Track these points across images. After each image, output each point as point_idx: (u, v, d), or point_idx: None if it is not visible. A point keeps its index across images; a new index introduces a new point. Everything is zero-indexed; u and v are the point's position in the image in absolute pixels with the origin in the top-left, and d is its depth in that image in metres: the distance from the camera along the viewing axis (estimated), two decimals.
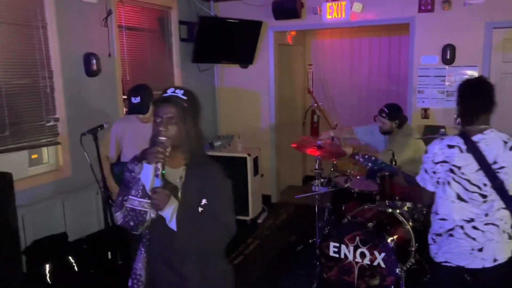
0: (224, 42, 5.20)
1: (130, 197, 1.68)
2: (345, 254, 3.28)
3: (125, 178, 1.78)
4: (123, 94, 4.32)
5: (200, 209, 1.72)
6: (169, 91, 1.71)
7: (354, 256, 3.24)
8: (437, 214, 2.27)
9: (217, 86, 5.98)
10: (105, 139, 3.13)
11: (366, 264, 3.20)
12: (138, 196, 1.66)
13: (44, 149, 3.73)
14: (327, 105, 6.86)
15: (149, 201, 1.64)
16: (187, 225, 1.66)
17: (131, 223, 1.69)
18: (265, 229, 4.98)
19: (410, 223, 3.46)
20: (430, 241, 2.36)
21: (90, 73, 3.88)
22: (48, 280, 3.31)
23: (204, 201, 1.72)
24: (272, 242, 4.63)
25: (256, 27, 5.26)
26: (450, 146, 2.20)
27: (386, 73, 6.56)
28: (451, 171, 2.18)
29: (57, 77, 3.64)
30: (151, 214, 1.68)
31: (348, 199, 3.85)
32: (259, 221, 5.19)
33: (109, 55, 4.09)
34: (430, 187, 2.28)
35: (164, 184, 1.64)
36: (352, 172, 3.93)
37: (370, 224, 3.18)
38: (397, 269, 3.10)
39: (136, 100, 2.89)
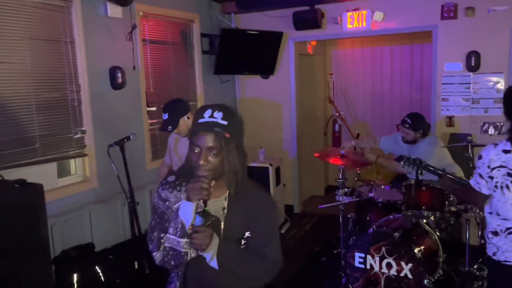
0: (245, 54, 5.25)
1: (168, 236, 1.51)
2: (371, 265, 3.24)
3: (158, 207, 1.59)
4: (148, 106, 4.40)
5: (242, 241, 1.57)
6: (206, 115, 1.46)
7: (380, 267, 3.19)
8: (498, 215, 2.26)
9: (239, 97, 6.02)
10: None
11: (392, 275, 3.15)
12: (177, 235, 1.49)
13: (72, 161, 3.82)
14: (349, 115, 6.83)
15: (188, 240, 1.48)
16: (229, 261, 1.52)
17: (172, 263, 1.54)
18: (288, 240, 4.95)
19: (437, 233, 3.40)
20: (486, 239, 2.36)
21: (116, 86, 3.97)
22: None
23: (247, 234, 1.57)
24: (296, 252, 4.60)
25: (276, 38, 5.29)
26: (506, 151, 2.21)
27: (409, 81, 6.50)
28: (509, 175, 2.19)
29: (84, 91, 3.74)
30: (192, 254, 1.52)
31: (373, 209, 3.81)
32: (282, 231, 5.17)
33: (134, 68, 4.19)
34: (485, 191, 2.29)
35: (205, 216, 1.48)
36: (376, 181, 3.89)
37: (396, 234, 3.13)
38: (425, 280, 3.05)
39: (164, 116, 2.98)
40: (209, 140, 1.43)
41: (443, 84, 4.79)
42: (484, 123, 4.62)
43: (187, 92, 5.09)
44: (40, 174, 3.41)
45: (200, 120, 1.46)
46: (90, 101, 3.79)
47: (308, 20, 5.15)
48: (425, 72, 6.16)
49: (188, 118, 3.01)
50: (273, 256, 1.63)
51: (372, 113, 6.81)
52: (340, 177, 3.79)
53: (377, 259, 3.20)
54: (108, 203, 3.88)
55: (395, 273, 3.14)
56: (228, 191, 1.56)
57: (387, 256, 3.17)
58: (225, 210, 1.56)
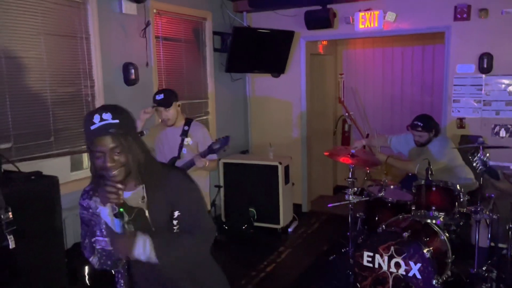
0: (257, 52, 5.27)
1: (97, 238, 1.58)
2: (379, 264, 3.25)
3: (82, 216, 1.66)
4: None
5: (175, 222, 1.64)
6: (96, 120, 1.47)
7: (389, 266, 3.20)
8: None
9: (249, 95, 6.05)
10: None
11: (401, 274, 3.16)
12: (104, 235, 1.57)
13: (85, 155, 3.87)
14: (359, 115, 6.83)
15: (106, 239, 1.57)
16: (165, 252, 1.57)
17: (109, 262, 1.61)
18: (296, 238, 4.97)
19: (446, 234, 3.40)
20: None
21: (129, 82, 4.01)
22: (87, 281, 3.41)
23: (177, 213, 1.63)
24: (304, 251, 4.62)
25: (288, 37, 5.31)
26: None
27: (420, 82, 6.48)
28: None
29: (98, 86, 3.79)
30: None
31: (382, 208, 3.81)
32: (290, 230, 5.19)
33: (147, 64, 4.23)
34: None
35: (128, 210, 1.56)
36: (386, 181, 3.90)
37: (405, 234, 3.14)
38: (434, 281, 3.05)
39: (159, 97, 3.16)
40: (108, 142, 1.47)
41: (454, 85, 4.78)
42: (495, 125, 4.60)
43: (198, 90, 5.13)
44: (54, 167, 3.46)
45: (93, 127, 1.47)
46: (104, 96, 3.84)
47: (320, 20, 5.16)
48: (436, 73, 6.14)
49: (179, 106, 3.25)
50: (206, 226, 1.72)
51: (382, 114, 6.80)
52: (350, 176, 3.80)
53: (386, 258, 3.21)
54: None
55: (404, 273, 3.14)
56: (142, 181, 1.61)
57: (395, 256, 3.18)
58: (145, 199, 1.61)
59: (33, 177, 2.61)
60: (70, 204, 3.54)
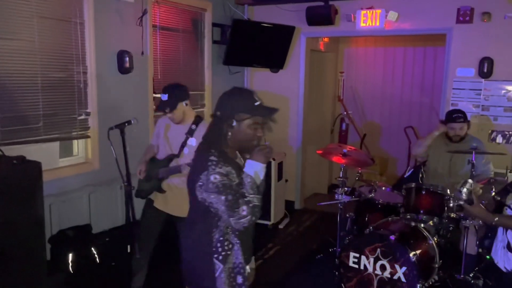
0: (256, 46, 5.21)
1: (252, 197, 1.79)
2: (364, 266, 3.21)
3: (225, 183, 1.75)
4: (154, 93, 4.40)
5: None
6: (256, 98, 1.85)
7: (374, 268, 3.17)
8: None
9: None
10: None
11: (386, 277, 3.13)
12: (256, 193, 1.81)
13: (75, 142, 3.84)
14: (357, 114, 6.78)
15: (260, 196, 1.82)
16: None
17: (253, 218, 1.79)
18: (286, 235, 4.94)
19: (435, 239, 3.36)
20: None
21: (123, 70, 3.97)
22: (70, 269, 3.39)
23: None
24: (293, 248, 4.59)
25: (288, 32, 5.25)
26: None
27: (420, 84, 6.42)
28: None
29: (91, 73, 3.75)
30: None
31: (372, 210, 3.78)
32: (281, 226, 5.16)
33: (142, 53, 4.18)
34: None
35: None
36: (377, 182, 3.86)
37: (392, 237, 3.11)
38: (418, 285, 3.02)
39: (164, 97, 2.91)
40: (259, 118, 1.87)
41: (453, 89, 4.72)
42: (492, 131, 4.55)
43: (195, 81, 5.08)
44: (41, 153, 3.43)
45: (256, 103, 1.84)
46: (96, 84, 3.79)
47: (321, 16, 5.09)
48: (437, 75, 6.08)
49: (187, 104, 2.97)
50: None
51: (380, 114, 6.75)
52: (341, 175, 3.76)
53: (372, 260, 3.18)
54: (108, 186, 3.89)
55: (389, 276, 3.11)
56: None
57: (381, 258, 3.14)
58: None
59: (15, 162, 2.57)
60: (57, 190, 3.53)
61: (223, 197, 1.74)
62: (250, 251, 2.02)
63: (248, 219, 1.77)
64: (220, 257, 1.83)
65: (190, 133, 2.98)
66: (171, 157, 3.02)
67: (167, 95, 2.90)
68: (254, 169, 1.82)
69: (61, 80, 3.55)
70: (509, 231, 2.21)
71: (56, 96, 3.52)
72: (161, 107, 2.93)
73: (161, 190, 3.04)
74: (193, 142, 2.97)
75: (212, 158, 1.78)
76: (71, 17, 3.57)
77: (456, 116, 3.75)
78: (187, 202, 2.92)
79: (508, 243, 2.21)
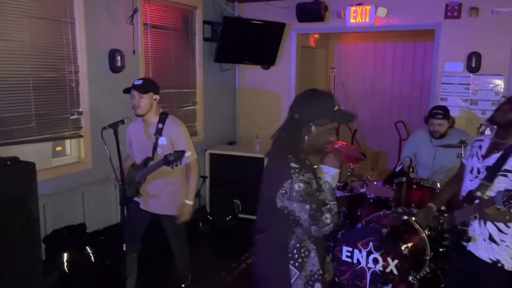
0: (247, 43, 5.23)
1: (332, 203, 1.77)
2: (357, 259, 3.27)
3: (309, 192, 1.72)
4: None
5: None
6: (337, 103, 1.79)
7: (367, 262, 3.22)
8: None
9: (238, 86, 6.02)
10: None
11: (378, 270, 3.18)
12: (334, 199, 1.79)
13: (67, 141, 3.84)
14: (348, 109, 6.82)
15: (335, 202, 1.80)
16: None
17: (334, 226, 1.77)
18: None
19: (426, 232, 3.41)
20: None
21: (115, 69, 3.96)
22: (65, 268, 3.40)
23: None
24: None
25: (279, 28, 5.27)
26: None
27: (410, 79, 6.49)
28: None
29: (82, 72, 3.74)
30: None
31: (364, 204, 3.83)
32: None
33: (134, 52, 4.18)
34: None
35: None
36: (369, 177, 3.91)
37: (384, 230, 3.16)
38: (410, 277, 3.08)
39: (138, 82, 2.94)
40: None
41: (443, 84, 4.78)
42: (481, 125, 4.62)
43: (186, 79, 5.09)
44: (34, 153, 3.43)
45: (335, 108, 1.77)
46: (88, 83, 3.79)
47: (312, 12, 5.12)
48: (426, 70, 6.16)
49: (155, 99, 2.99)
50: None
51: (371, 109, 6.81)
52: None
53: (364, 253, 3.23)
54: (101, 185, 3.90)
55: (381, 269, 3.17)
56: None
57: (374, 252, 3.20)
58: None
59: (9, 163, 2.58)
60: (51, 190, 3.53)
61: (307, 206, 1.69)
62: (324, 257, 1.96)
63: (331, 227, 1.73)
64: (297, 264, 1.79)
65: (159, 132, 2.98)
66: (146, 160, 3.01)
67: (141, 80, 2.97)
68: (331, 174, 1.80)
69: (53, 80, 3.54)
70: (488, 223, 2.27)
71: (48, 96, 3.51)
72: (131, 88, 2.92)
73: (139, 194, 3.06)
74: (163, 141, 2.98)
75: (293, 165, 1.73)
76: (62, 16, 3.56)
77: (435, 112, 3.82)
78: (167, 200, 2.92)
79: (490, 234, 2.28)
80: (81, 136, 3.81)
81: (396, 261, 3.10)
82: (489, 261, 2.29)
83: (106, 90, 3.97)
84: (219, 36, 5.04)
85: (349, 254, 3.31)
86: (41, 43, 3.42)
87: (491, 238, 2.27)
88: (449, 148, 3.65)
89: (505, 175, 2.22)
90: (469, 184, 2.39)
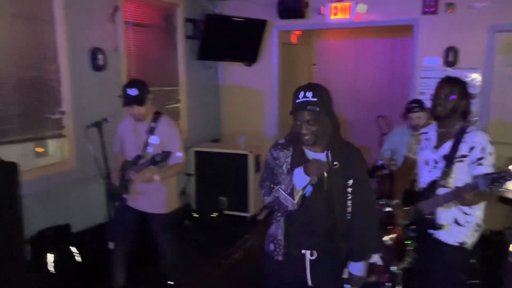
0: (229, 40, 5.25)
1: (280, 190, 1.91)
2: None
3: (269, 163, 2.01)
4: None
5: (349, 189, 1.96)
6: (300, 96, 1.87)
7: None
8: None
9: (221, 83, 6.03)
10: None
11: None
12: (287, 192, 1.89)
13: (50, 141, 3.80)
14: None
15: (293, 200, 1.88)
16: (337, 205, 1.95)
17: (276, 207, 2.00)
18: (266, 226, 5.01)
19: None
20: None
21: (96, 67, 3.94)
22: (51, 269, 3.38)
23: (351, 181, 1.96)
24: None
25: (260, 26, 5.31)
26: None
27: (390, 74, 6.60)
28: None
29: (63, 71, 3.71)
30: (294, 207, 1.91)
31: None
32: (260, 218, 5.24)
33: (115, 50, 4.16)
34: None
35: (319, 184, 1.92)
36: None
37: None
38: (394, 267, 3.15)
39: (133, 92, 2.84)
40: (305, 115, 1.87)
41: (421, 78, 4.88)
42: None
43: (169, 77, 5.08)
44: (17, 153, 3.39)
45: (297, 101, 1.88)
46: (70, 82, 3.76)
47: (292, 9, 5.17)
48: (406, 65, 6.26)
49: (149, 100, 2.97)
50: (373, 200, 2.15)
51: (353, 104, 6.90)
52: None
53: None
54: (86, 185, 3.88)
55: None
56: (327, 149, 1.95)
57: None
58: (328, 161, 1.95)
59: None
60: (35, 191, 3.49)
61: (263, 172, 2.05)
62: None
63: (267, 202, 1.99)
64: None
65: (151, 131, 2.95)
66: (137, 158, 3.00)
67: (137, 89, 2.84)
68: (298, 175, 1.88)
69: (33, 79, 3.50)
70: (454, 208, 2.36)
71: (29, 96, 3.47)
72: (130, 101, 2.85)
73: (127, 191, 3.07)
74: (155, 140, 2.96)
75: (279, 141, 2.06)
76: (41, 15, 3.52)
77: (411, 106, 3.88)
78: (155, 198, 2.92)
79: (455, 219, 2.38)
80: (64, 136, 3.77)
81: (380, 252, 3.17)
82: (456, 244, 2.38)
83: (88, 89, 3.94)
84: (201, 33, 5.04)
85: None
86: (20, 42, 3.38)
87: (457, 222, 2.37)
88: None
89: (461, 161, 2.32)
90: (428, 175, 2.47)
